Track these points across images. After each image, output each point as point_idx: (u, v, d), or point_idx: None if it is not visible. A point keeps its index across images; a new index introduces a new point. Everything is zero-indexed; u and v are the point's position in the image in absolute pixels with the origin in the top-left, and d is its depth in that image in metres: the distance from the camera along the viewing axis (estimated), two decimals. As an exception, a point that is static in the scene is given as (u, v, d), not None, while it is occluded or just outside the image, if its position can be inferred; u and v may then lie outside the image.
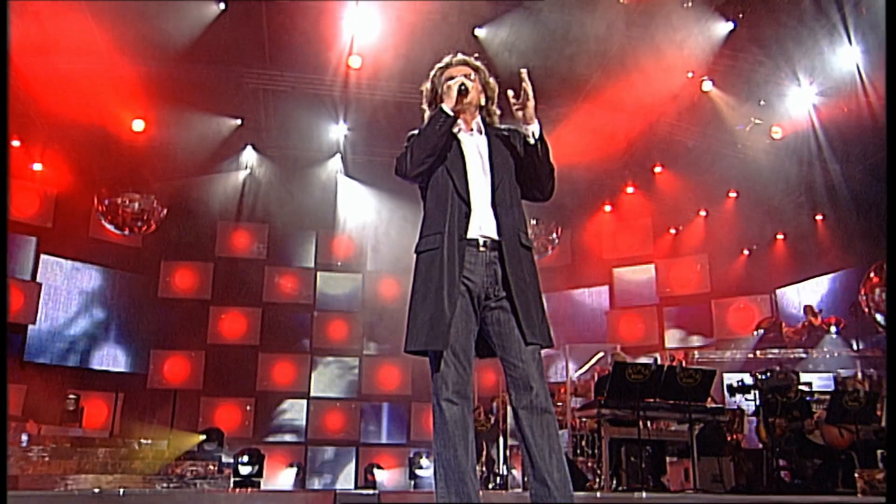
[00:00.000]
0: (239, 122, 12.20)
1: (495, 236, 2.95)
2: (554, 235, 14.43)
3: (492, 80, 3.29)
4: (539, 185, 3.15)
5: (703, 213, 14.05)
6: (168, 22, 10.01)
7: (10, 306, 12.07)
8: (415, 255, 3.01)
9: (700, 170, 12.66)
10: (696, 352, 12.12)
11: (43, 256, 12.71)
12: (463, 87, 3.04)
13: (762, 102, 10.92)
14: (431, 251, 2.91)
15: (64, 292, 13.06)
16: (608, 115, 11.40)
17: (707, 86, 10.77)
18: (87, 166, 12.44)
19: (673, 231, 14.59)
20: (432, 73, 3.26)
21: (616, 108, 11.20)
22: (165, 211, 13.19)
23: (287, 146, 13.09)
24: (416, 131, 3.12)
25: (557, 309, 14.45)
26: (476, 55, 3.35)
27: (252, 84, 11.48)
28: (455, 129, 3.13)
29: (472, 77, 3.21)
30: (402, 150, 3.07)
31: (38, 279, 12.60)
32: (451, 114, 3.00)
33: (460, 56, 3.30)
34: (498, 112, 3.28)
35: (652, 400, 7.30)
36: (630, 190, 14.11)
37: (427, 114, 3.19)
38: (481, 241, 2.93)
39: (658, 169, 13.31)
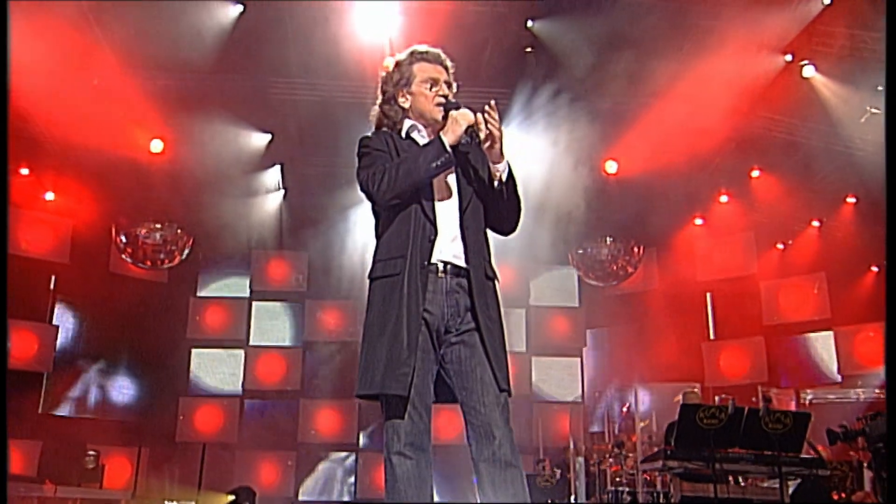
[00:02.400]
0: (268, 137, 12.23)
1: (461, 263, 2.93)
2: (634, 255, 13.95)
3: (454, 83, 3.22)
4: (501, 222, 3.18)
5: (815, 224, 13.40)
6: (182, 31, 10.12)
7: (23, 353, 12.39)
8: (368, 281, 2.96)
9: (808, 172, 12.03)
10: (808, 391, 11.40)
11: (59, 296, 13.02)
12: (474, 131, 2.99)
13: (879, 88, 10.26)
14: (390, 278, 2.88)
15: (83, 335, 13.33)
16: (690, 112, 10.94)
17: (808, 71, 10.19)
18: (104, 194, 12.70)
19: (780, 246, 13.96)
20: (401, 56, 3.20)
21: (699, 102, 10.74)
22: (191, 241, 13.34)
23: (321, 162, 13.09)
24: (368, 135, 3.11)
25: (639, 341, 13.94)
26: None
27: (279, 95, 11.51)
28: (414, 134, 3.15)
29: (449, 81, 3.20)
30: (367, 166, 3.01)
31: (53, 321, 12.89)
32: (450, 152, 2.93)
33: (437, 50, 3.23)
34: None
35: (731, 450, 6.89)
36: (724, 199, 13.54)
37: (379, 100, 3.20)
38: (440, 265, 2.89)
39: (756, 173, 12.72)
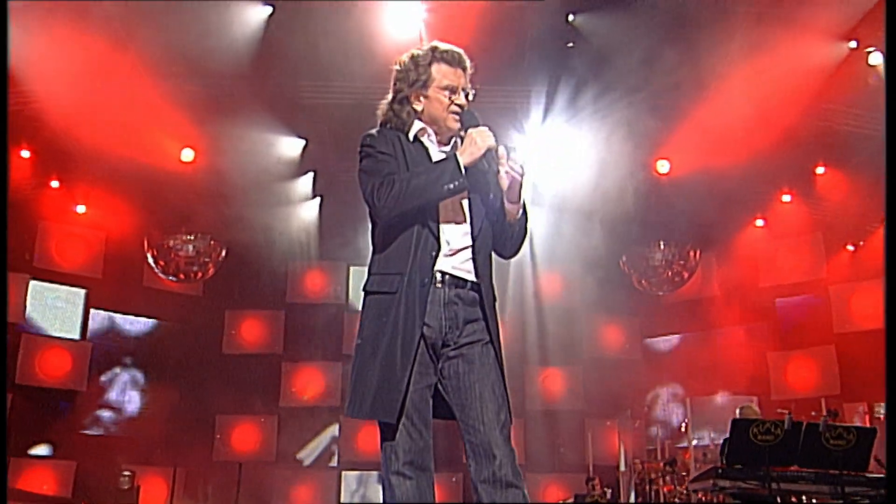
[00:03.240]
0: (302, 143, 12.28)
1: (460, 274, 2.91)
2: (690, 260, 13.65)
3: (472, 88, 3.17)
4: (504, 248, 3.16)
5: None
6: (210, 38, 10.21)
7: (56, 370, 12.63)
8: (363, 293, 2.94)
9: (878, 166, 11.59)
10: (881, 404, 11.01)
11: (92, 311, 13.24)
12: (492, 155, 2.96)
13: (954, 73, 9.89)
14: (386, 295, 2.86)
15: (117, 352, 13.53)
16: (746, 106, 10.68)
17: (875, 58, 9.87)
18: (136, 206, 12.89)
19: (850, 248, 13.53)
20: (419, 53, 3.12)
21: (756, 95, 10.48)
22: (225, 252, 13.45)
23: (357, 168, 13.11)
24: (373, 133, 3.06)
25: (698, 352, 13.64)
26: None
27: (312, 99, 11.55)
28: (424, 138, 3.09)
29: (467, 88, 3.14)
30: (371, 172, 2.97)
31: (87, 338, 13.11)
32: (465, 176, 2.89)
33: (458, 51, 3.16)
34: None
35: (789, 469, 6.68)
36: (786, 198, 13.17)
37: (390, 98, 3.13)
38: (439, 275, 2.85)
39: (820, 169, 12.35)
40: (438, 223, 2.92)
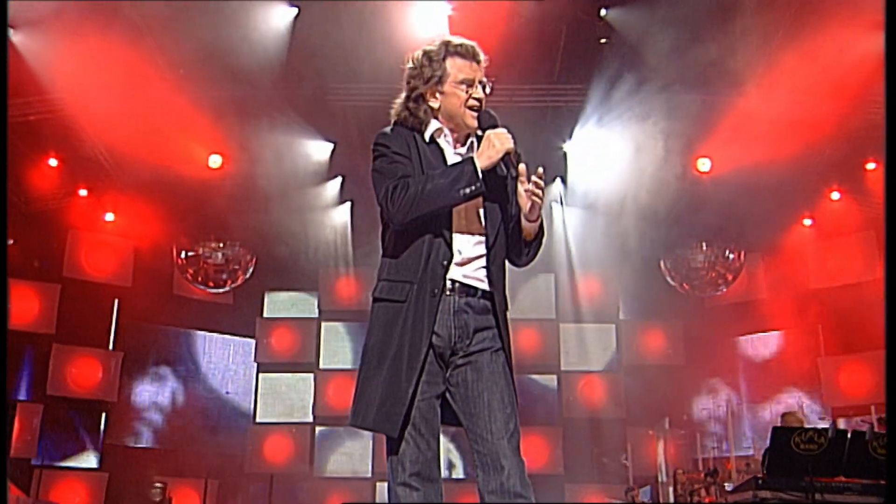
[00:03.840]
0: (331, 146, 12.28)
1: (470, 283, 2.90)
2: (734, 261, 13.39)
3: (487, 81, 3.11)
4: (517, 258, 3.15)
5: (946, 219, 12.54)
6: (236, 42, 10.26)
7: (87, 381, 12.78)
8: (371, 299, 2.93)
9: (932, 160, 11.29)
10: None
11: (122, 321, 13.38)
12: (510, 159, 2.93)
13: None
14: (395, 303, 2.85)
15: (148, 362, 13.65)
16: (790, 99, 10.46)
17: (927, 46, 9.57)
18: (164, 213, 13.00)
19: (905, 246, 13.13)
20: (432, 48, 3.08)
21: (800, 88, 10.26)
22: (254, 260, 13.51)
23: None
24: (388, 132, 3.03)
25: (744, 357, 13.38)
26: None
27: (340, 101, 11.56)
28: (440, 139, 3.06)
29: (484, 81, 3.10)
30: (385, 174, 2.95)
31: (117, 347, 13.25)
32: (482, 180, 2.86)
33: (472, 43, 3.11)
34: None
35: (833, 479, 6.51)
36: (835, 195, 12.87)
37: (404, 96, 3.08)
38: (449, 283, 2.84)
39: (871, 165, 12.07)
40: (451, 231, 2.90)
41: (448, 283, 2.86)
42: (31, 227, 12.59)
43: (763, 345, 13.87)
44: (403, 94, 3.11)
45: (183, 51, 10.31)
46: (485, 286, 2.92)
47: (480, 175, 2.82)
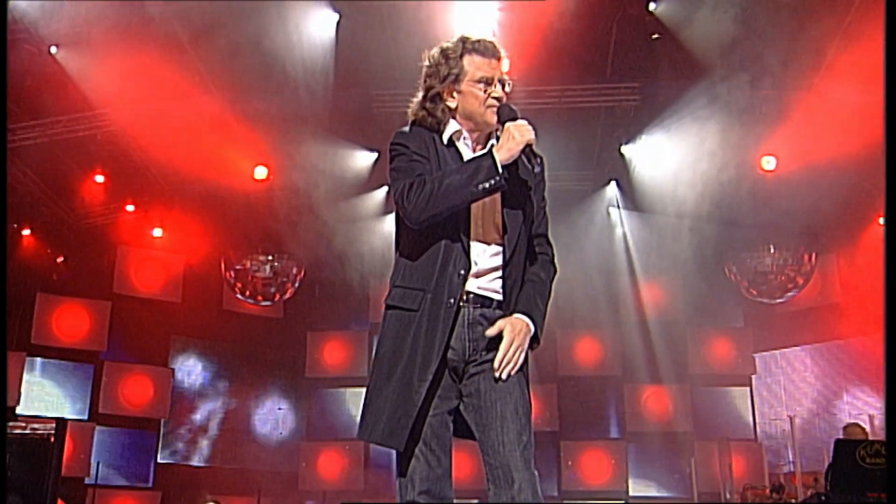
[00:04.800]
0: (374, 155, 12.29)
1: (486, 294, 2.83)
2: (805, 264, 12.97)
3: (507, 80, 3.00)
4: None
5: None
6: (278, 52, 10.33)
7: (139, 398, 13.00)
8: (384, 307, 2.89)
9: None
10: None
11: (173, 337, 13.58)
12: (531, 151, 2.82)
13: None
14: (407, 312, 2.80)
15: (198, 378, 13.82)
16: (861, 89, 10.08)
17: None
18: (212, 227, 13.16)
19: None
20: (449, 45, 2.99)
21: (872, 76, 9.87)
22: (303, 272, 13.57)
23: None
24: (406, 131, 2.96)
25: (818, 366, 12.94)
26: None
27: (383, 109, 11.54)
28: (459, 142, 2.98)
29: (504, 78, 2.98)
30: (402, 173, 2.89)
31: (168, 364, 13.46)
32: (503, 174, 2.76)
33: (491, 40, 3.01)
34: None
35: None
36: (914, 190, 12.36)
37: (420, 96, 2.98)
38: (464, 295, 2.78)
39: (953, 157, 11.54)
40: (469, 239, 2.83)
41: (463, 295, 2.80)
42: (81, 243, 12.89)
43: (837, 352, 13.40)
44: (420, 94, 3.03)
45: (225, 63, 10.44)
46: (500, 297, 2.85)
47: (500, 169, 2.74)
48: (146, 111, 10.92)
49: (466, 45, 2.96)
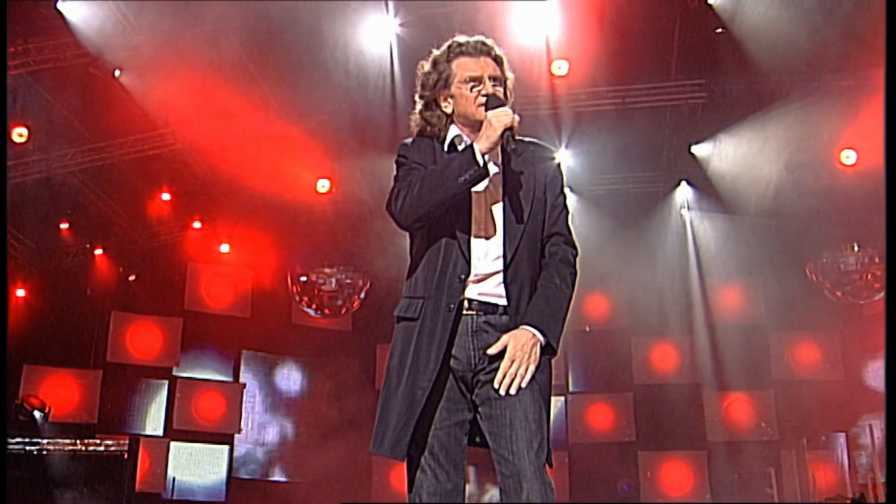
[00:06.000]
0: (433, 162, 12.37)
1: (491, 300, 2.82)
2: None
3: (510, 74, 3.03)
4: None
5: None
6: (336, 63, 10.51)
7: (211, 414, 13.37)
8: (395, 318, 2.93)
9: None
10: None
11: (243, 352, 13.92)
12: (510, 133, 2.80)
13: None
14: (410, 322, 2.84)
15: (268, 393, 14.13)
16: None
17: None
18: (278, 241, 13.46)
19: None
20: (438, 53, 3.05)
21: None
22: (369, 283, 13.73)
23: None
24: (408, 142, 3.02)
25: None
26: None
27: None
28: (459, 144, 2.98)
29: (498, 75, 2.99)
30: (398, 180, 2.96)
31: (240, 379, 13.80)
32: (483, 163, 2.76)
33: (480, 39, 3.03)
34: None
35: None
36: None
37: (418, 108, 3.05)
38: (466, 303, 2.78)
39: None
40: (470, 240, 2.84)
41: (465, 303, 2.81)
42: (151, 261, 13.35)
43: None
44: (418, 106, 3.10)
45: (285, 78, 10.69)
46: (504, 302, 2.83)
47: (480, 159, 2.74)
48: (209, 129, 11.23)
49: (453, 49, 3.00)
